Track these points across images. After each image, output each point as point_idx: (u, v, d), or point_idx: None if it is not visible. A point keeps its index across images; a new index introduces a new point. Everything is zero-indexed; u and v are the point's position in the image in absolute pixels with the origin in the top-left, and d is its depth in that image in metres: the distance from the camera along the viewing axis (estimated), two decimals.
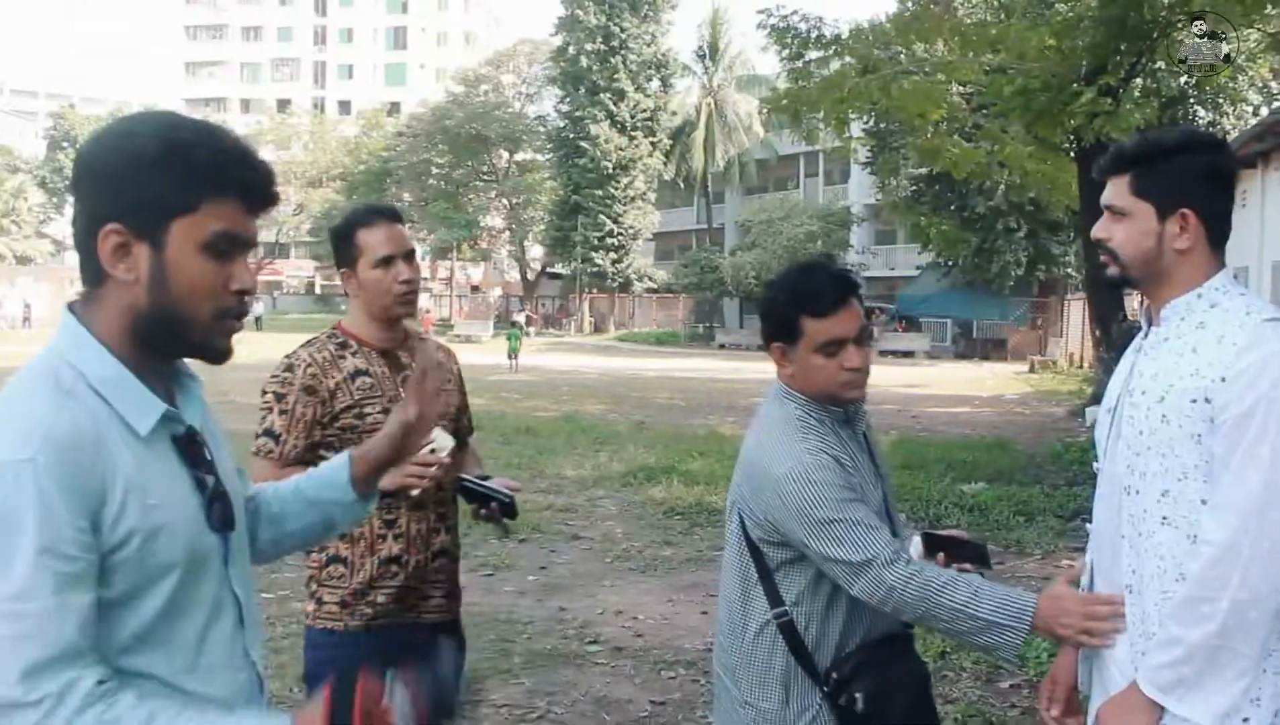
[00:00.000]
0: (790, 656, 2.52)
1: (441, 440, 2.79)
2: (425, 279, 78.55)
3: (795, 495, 2.43)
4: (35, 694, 1.40)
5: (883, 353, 41.53)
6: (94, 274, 1.59)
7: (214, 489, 1.67)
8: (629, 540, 9.06)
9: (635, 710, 5.33)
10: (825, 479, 2.43)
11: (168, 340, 1.63)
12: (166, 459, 1.61)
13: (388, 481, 2.56)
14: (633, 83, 56.29)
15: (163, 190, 1.55)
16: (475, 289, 76.17)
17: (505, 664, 5.90)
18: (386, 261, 2.99)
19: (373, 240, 2.99)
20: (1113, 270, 2.28)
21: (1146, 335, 2.31)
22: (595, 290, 59.14)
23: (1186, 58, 10.72)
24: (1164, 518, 2.14)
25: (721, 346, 48.44)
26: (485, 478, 3.10)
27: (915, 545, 2.72)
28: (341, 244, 3.06)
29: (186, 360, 1.73)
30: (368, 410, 2.94)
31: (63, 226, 68.10)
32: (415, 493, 2.86)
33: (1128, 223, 2.22)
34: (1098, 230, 2.29)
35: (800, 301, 2.52)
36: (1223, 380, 2.05)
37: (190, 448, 1.66)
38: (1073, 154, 15.13)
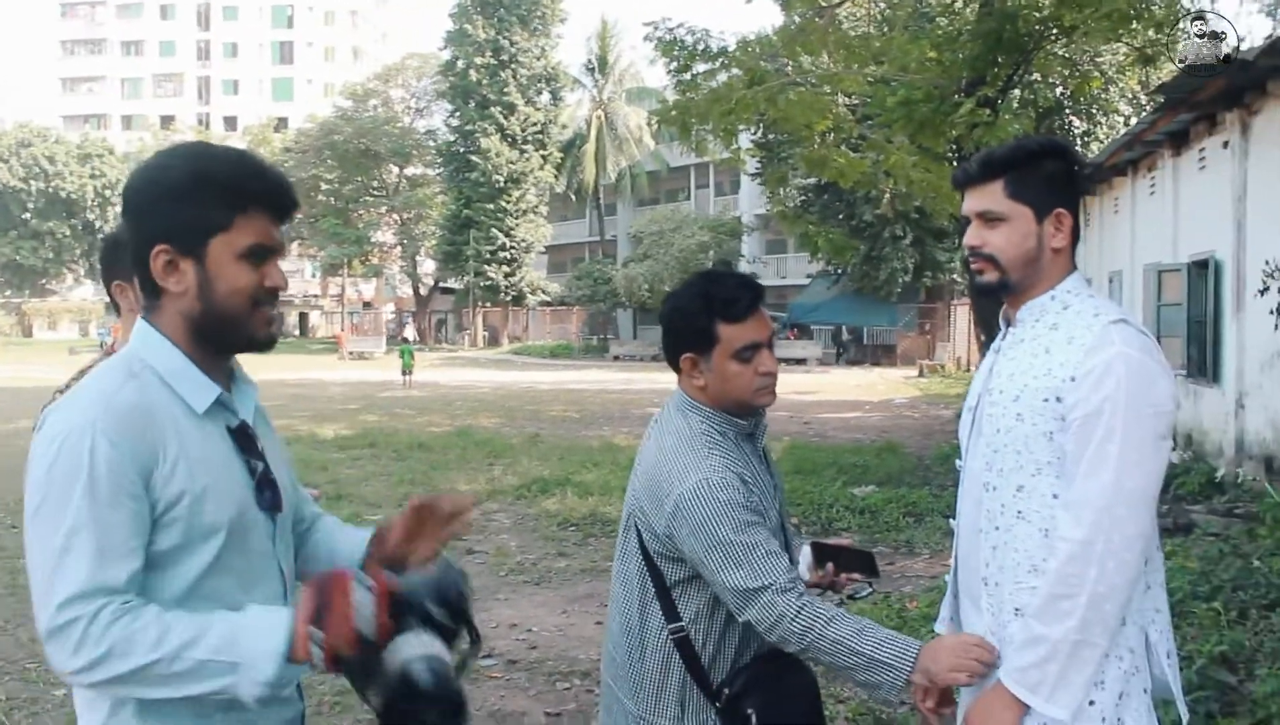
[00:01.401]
0: (686, 673, 2.51)
1: None
2: (315, 296, 77.61)
3: (697, 512, 2.40)
4: (65, 617, 1.69)
5: (776, 361, 42.00)
6: (151, 288, 1.88)
7: (263, 474, 1.94)
8: (523, 553, 9.02)
9: (530, 722, 5.32)
10: (729, 498, 2.40)
11: (220, 335, 1.90)
12: (220, 439, 1.89)
13: None
14: (523, 96, 56.31)
15: (200, 213, 1.84)
16: (367, 305, 75.29)
17: None
18: None
19: None
20: (989, 276, 2.32)
21: (1005, 336, 2.38)
22: (489, 304, 58.86)
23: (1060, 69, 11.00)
24: (1019, 512, 2.21)
25: (616, 358, 48.60)
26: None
27: (805, 555, 2.73)
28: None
29: (243, 368, 2.03)
30: None
31: None
32: None
33: (1006, 227, 2.28)
34: (971, 238, 2.34)
35: (714, 307, 2.50)
36: (1072, 380, 2.13)
37: (242, 438, 1.94)
38: (954, 163, 15.48)
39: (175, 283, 1.85)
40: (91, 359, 2.99)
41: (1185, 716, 2.30)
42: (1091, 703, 2.12)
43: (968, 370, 31.49)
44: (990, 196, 2.29)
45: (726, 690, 2.48)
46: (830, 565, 2.70)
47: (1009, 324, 2.38)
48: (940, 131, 13.29)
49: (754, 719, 2.43)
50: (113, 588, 1.71)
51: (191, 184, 1.83)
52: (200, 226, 1.84)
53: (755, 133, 26.90)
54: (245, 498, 1.88)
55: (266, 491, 1.93)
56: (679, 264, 43.22)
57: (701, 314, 2.51)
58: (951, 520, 2.49)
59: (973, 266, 2.36)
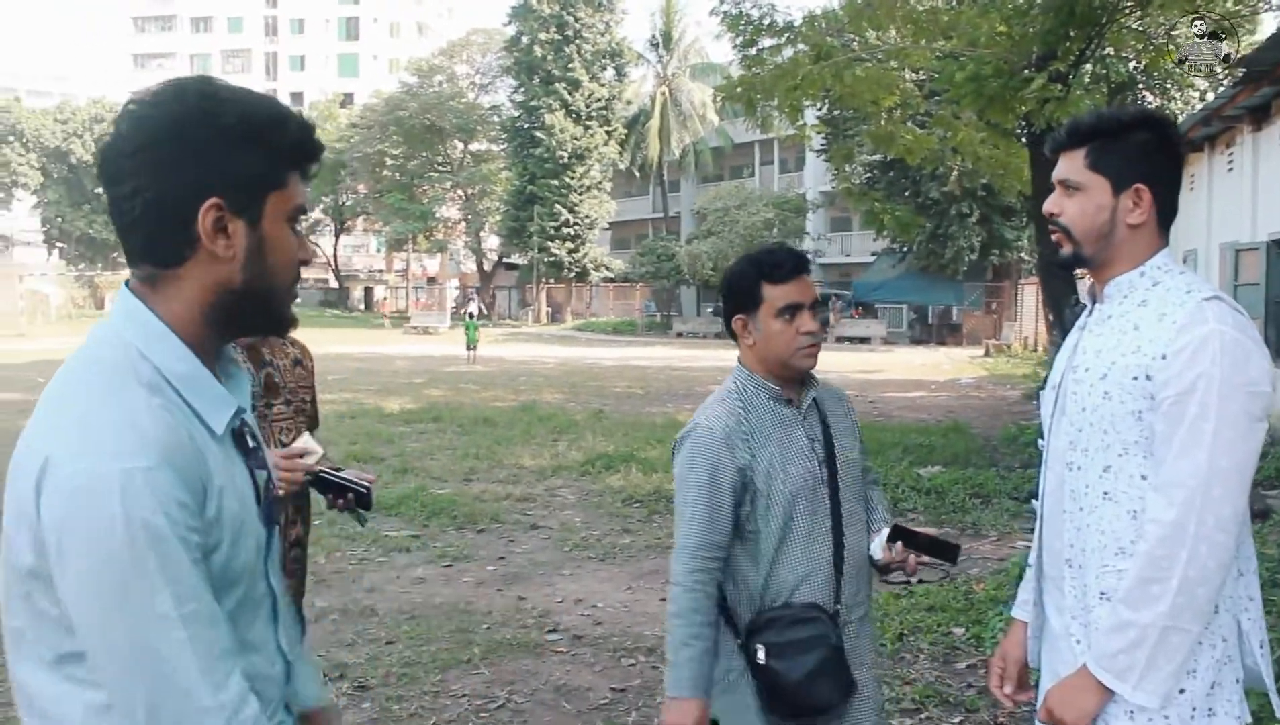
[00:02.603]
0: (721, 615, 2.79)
1: (312, 445, 2.91)
2: (380, 271, 78.23)
3: (675, 460, 2.84)
4: (219, 697, 1.42)
5: (839, 339, 41.75)
6: (174, 253, 1.51)
7: (265, 483, 1.66)
8: (587, 529, 9.06)
9: (595, 698, 5.32)
10: (704, 447, 2.73)
11: (252, 315, 1.62)
12: (234, 456, 1.58)
13: None
14: (587, 72, 56.21)
15: (261, 166, 1.53)
16: (431, 280, 75.79)
17: (465, 654, 5.88)
18: None
19: None
20: (1065, 249, 2.28)
21: (1091, 313, 2.31)
22: (552, 280, 59.01)
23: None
24: (1105, 493, 2.16)
25: (679, 335, 48.53)
26: (339, 469, 3.14)
27: (881, 537, 2.79)
28: None
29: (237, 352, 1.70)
30: None
31: (8, 222, 67.21)
32: (281, 492, 2.85)
33: (1082, 197, 2.23)
34: (1049, 205, 2.29)
35: (761, 270, 2.76)
36: (1163, 357, 2.06)
37: (241, 440, 1.62)
38: (1024, 139, 15.23)
39: (224, 247, 1.51)
40: None
41: None
42: (1181, 691, 2.07)
43: (1035, 350, 31.08)
44: (1071, 164, 2.25)
45: (749, 628, 2.74)
46: (899, 544, 2.73)
47: (1095, 300, 2.31)
48: (1009, 107, 13.08)
49: (760, 655, 2.67)
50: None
51: (256, 130, 1.52)
52: (262, 181, 1.54)
53: (821, 109, 26.62)
54: (255, 517, 1.59)
55: (266, 501, 1.65)
56: (743, 241, 42.98)
57: (749, 276, 2.78)
58: (1034, 501, 2.45)
59: (1051, 236, 2.32)
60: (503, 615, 6.64)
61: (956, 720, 4.97)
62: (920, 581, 2.84)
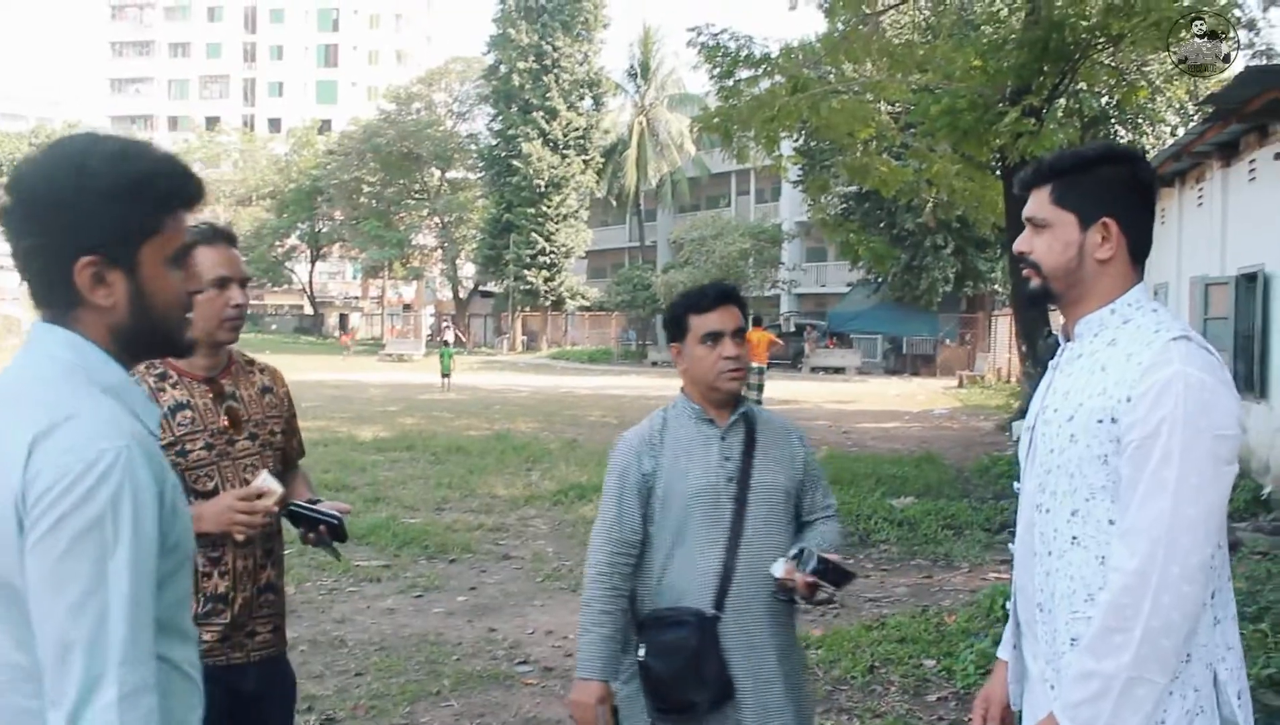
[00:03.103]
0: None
1: (270, 485, 2.78)
2: (356, 297, 78.08)
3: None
4: (137, 670, 1.50)
5: (814, 369, 41.87)
6: (64, 299, 1.63)
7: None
8: (560, 559, 9.02)
9: None
10: (619, 454, 3.06)
11: (148, 347, 1.76)
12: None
13: (210, 524, 2.67)
14: (565, 101, 56.38)
15: (135, 219, 1.63)
16: (407, 307, 75.68)
17: (434, 686, 5.82)
18: (221, 283, 2.85)
19: (210, 260, 2.82)
20: (1035, 283, 2.26)
21: (1064, 352, 2.30)
22: (528, 308, 58.98)
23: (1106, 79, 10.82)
24: (1074, 537, 2.14)
25: (654, 363, 48.49)
26: (315, 502, 3.04)
27: (787, 557, 2.91)
28: None
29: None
30: (189, 447, 2.82)
31: None
32: (240, 538, 2.77)
33: (1049, 234, 2.21)
34: (1019, 243, 2.29)
35: (687, 303, 3.07)
36: (1128, 400, 2.03)
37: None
38: (998, 172, 15.38)
39: (104, 296, 1.62)
40: None
41: None
42: None
43: (1008, 381, 31.21)
44: (1039, 201, 2.24)
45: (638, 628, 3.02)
46: (792, 564, 2.88)
47: (1068, 338, 2.29)
48: (984, 141, 13.21)
49: (641, 651, 2.93)
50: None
51: (126, 187, 1.61)
52: (134, 233, 1.63)
53: (797, 140, 26.77)
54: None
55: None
56: (720, 270, 43.05)
57: (679, 307, 3.08)
58: (1011, 544, 2.43)
59: (1023, 272, 2.31)
60: (473, 646, 6.59)
61: None
62: (817, 602, 2.90)
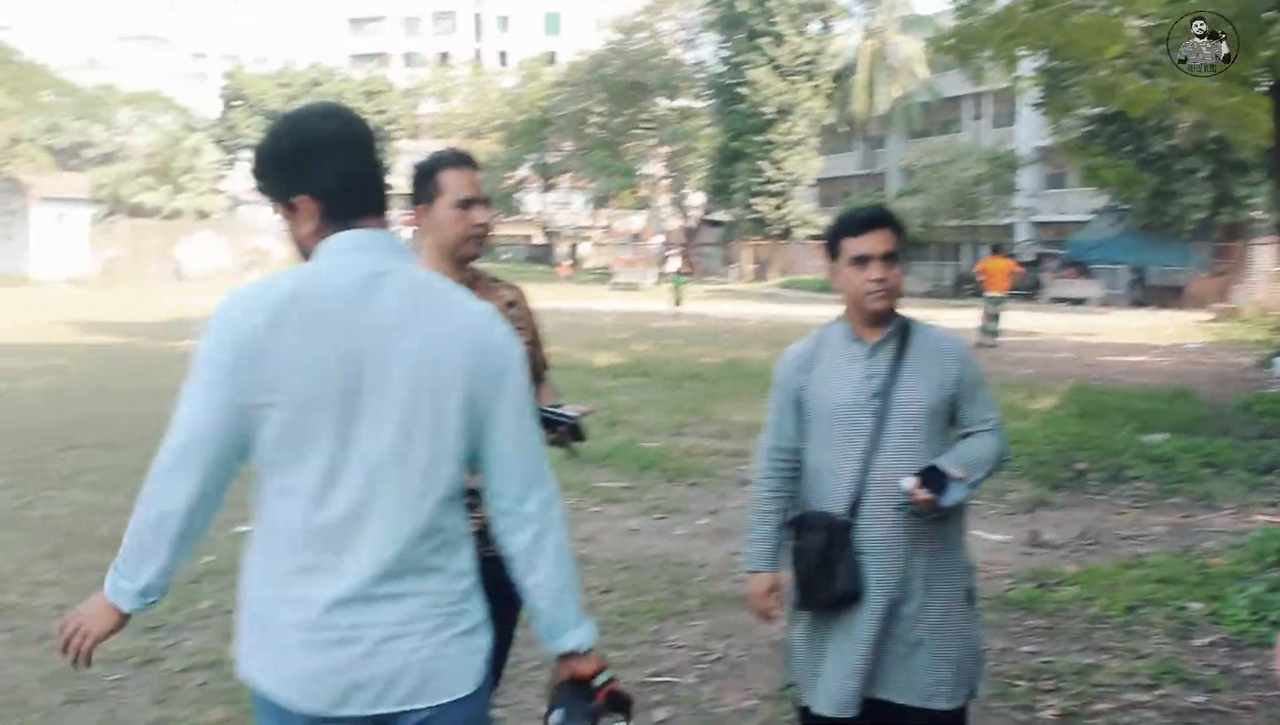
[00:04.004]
0: None
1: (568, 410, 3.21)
2: (585, 228, 79.30)
3: None
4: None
5: (1053, 300, 40.32)
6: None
7: None
8: None
9: None
10: (778, 369, 3.30)
11: None
12: None
13: None
14: (792, 25, 55.34)
15: None
16: (635, 237, 76.46)
17: (681, 605, 5.95)
18: (466, 204, 3.13)
19: (455, 182, 3.13)
20: None
21: None
22: (756, 237, 58.66)
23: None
24: None
25: None
26: (557, 406, 3.29)
27: (907, 479, 3.04)
28: (422, 181, 3.18)
29: None
30: None
31: (236, 182, 70.78)
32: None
33: None
34: None
35: (839, 226, 3.21)
36: None
37: None
38: (1265, 88, 14.33)
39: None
40: None
41: None
42: None
43: (1268, 315, 29.31)
44: None
45: None
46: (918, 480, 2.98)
47: None
48: (1249, 53, 12.31)
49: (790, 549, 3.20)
50: None
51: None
52: None
53: (1037, 59, 25.65)
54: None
55: None
56: (954, 197, 41.89)
57: (831, 232, 3.24)
58: None
59: None
60: (717, 568, 6.67)
61: (1198, 699, 4.69)
62: (932, 517, 2.93)
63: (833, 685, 3.06)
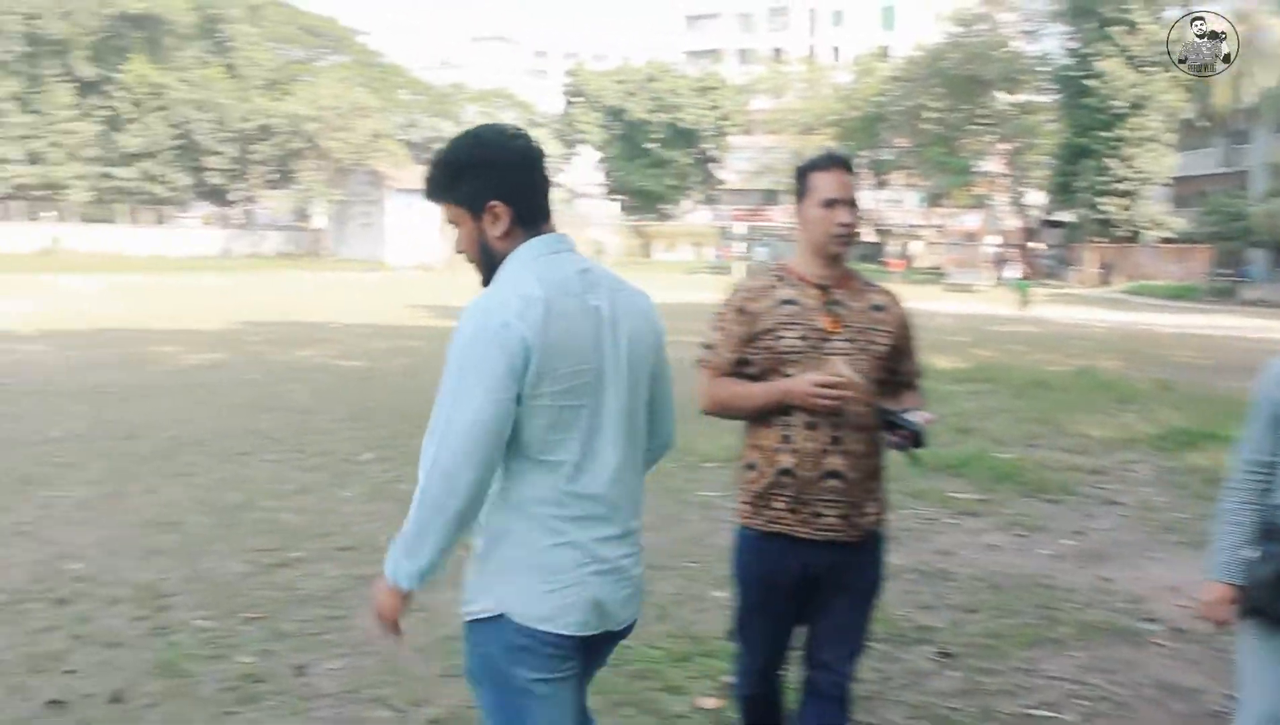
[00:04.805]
0: None
1: (841, 372, 3.18)
2: (918, 225, 77.70)
3: None
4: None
5: None
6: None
7: None
8: (1172, 511, 8.29)
9: (1207, 702, 4.78)
10: (1259, 387, 3.21)
11: None
12: None
13: (793, 385, 3.16)
14: (1148, 12, 52.08)
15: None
16: (969, 237, 74.19)
17: (1052, 632, 5.55)
18: (829, 204, 3.26)
19: (822, 183, 3.29)
20: None
21: None
22: (1101, 239, 55.56)
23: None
24: None
25: (1245, 302, 43.98)
26: (906, 411, 3.27)
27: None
28: (798, 181, 3.38)
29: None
30: (784, 334, 3.24)
31: (572, 175, 73.66)
32: (814, 408, 3.18)
33: None
34: None
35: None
36: None
37: None
38: None
39: None
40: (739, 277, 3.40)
41: None
42: None
43: None
44: None
45: None
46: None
47: None
48: None
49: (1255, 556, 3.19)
50: None
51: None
52: None
53: None
54: None
55: None
56: None
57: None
58: None
59: None
60: (1088, 595, 6.21)
61: None
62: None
63: None
